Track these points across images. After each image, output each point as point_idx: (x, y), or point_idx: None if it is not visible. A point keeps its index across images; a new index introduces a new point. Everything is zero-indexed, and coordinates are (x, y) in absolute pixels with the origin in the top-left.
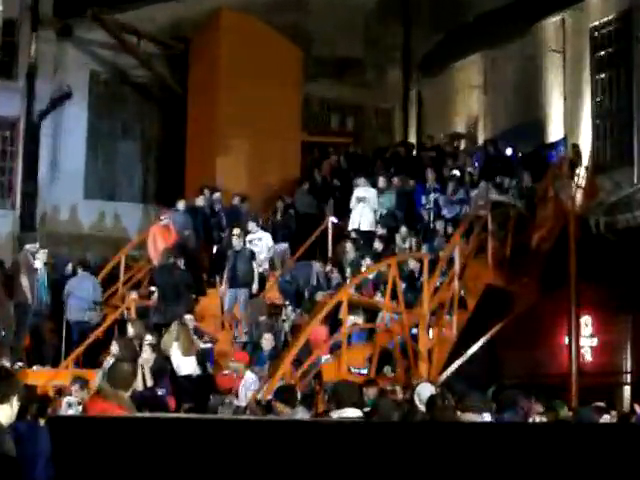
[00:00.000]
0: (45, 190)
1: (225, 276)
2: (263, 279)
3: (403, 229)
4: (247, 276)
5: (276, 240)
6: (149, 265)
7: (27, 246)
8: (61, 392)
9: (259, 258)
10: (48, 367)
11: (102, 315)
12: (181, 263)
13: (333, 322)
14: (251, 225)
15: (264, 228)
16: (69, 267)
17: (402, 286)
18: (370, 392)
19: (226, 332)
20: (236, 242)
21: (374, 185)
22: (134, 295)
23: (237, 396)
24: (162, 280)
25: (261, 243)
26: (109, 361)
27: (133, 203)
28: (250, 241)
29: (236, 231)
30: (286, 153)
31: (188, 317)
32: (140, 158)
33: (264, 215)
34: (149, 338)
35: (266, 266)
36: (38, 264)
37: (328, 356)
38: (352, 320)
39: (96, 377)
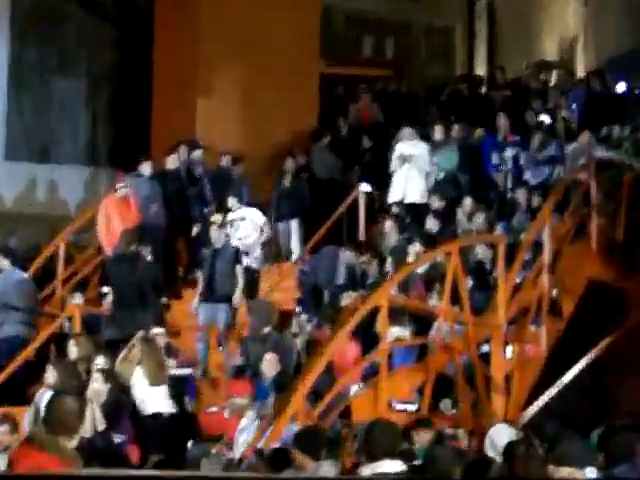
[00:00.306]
0: None
1: (200, 285)
2: (253, 280)
3: (468, 201)
4: (227, 285)
5: (281, 216)
6: (99, 256)
7: None
8: None
9: (245, 244)
10: None
11: (30, 329)
12: (147, 252)
13: (367, 336)
14: (231, 201)
15: (256, 205)
16: None
17: (467, 283)
18: (421, 437)
19: (212, 351)
20: (216, 235)
21: (425, 138)
22: (78, 299)
23: (229, 445)
24: (119, 277)
25: (244, 225)
26: (43, 394)
27: (76, 166)
28: (230, 222)
29: (216, 217)
30: (297, 93)
31: (157, 331)
32: (86, 103)
33: (266, 182)
34: (100, 361)
35: (256, 255)
36: None
37: (360, 385)
38: (395, 334)
39: (25, 418)
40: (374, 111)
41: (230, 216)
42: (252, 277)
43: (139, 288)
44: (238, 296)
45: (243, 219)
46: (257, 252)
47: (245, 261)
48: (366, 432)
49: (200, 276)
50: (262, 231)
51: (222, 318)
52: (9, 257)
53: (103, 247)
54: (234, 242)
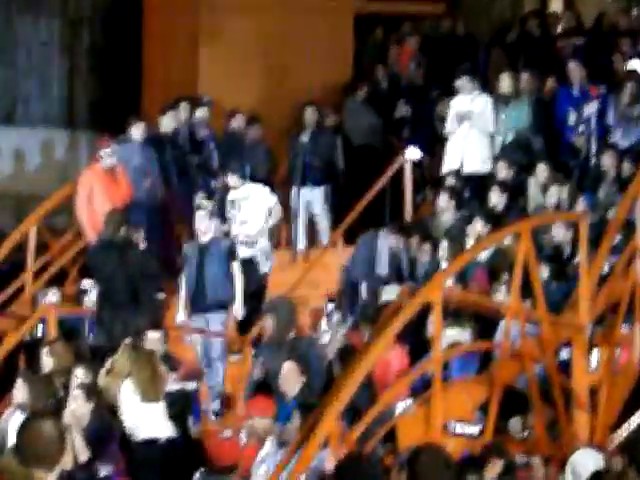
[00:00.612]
0: None
1: (182, 292)
2: (258, 278)
3: (542, 169)
4: (220, 290)
5: (300, 184)
6: (80, 242)
7: None
8: None
9: (248, 232)
10: None
11: None
12: (140, 237)
13: (416, 341)
14: (232, 179)
15: (267, 182)
16: None
17: (542, 273)
18: (489, 471)
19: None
20: (204, 225)
21: (487, 90)
22: (53, 297)
23: (244, 478)
24: (106, 270)
25: (247, 206)
26: (10, 417)
27: (48, 130)
28: (231, 203)
29: (202, 201)
30: (326, 36)
31: (152, 335)
32: (61, 51)
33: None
34: (81, 374)
35: (263, 246)
36: None
37: (408, 402)
38: (451, 337)
39: None
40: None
41: (231, 195)
42: (257, 277)
43: (130, 282)
44: (238, 304)
45: (246, 199)
46: (264, 243)
47: (247, 254)
48: (410, 462)
49: (183, 280)
50: (270, 215)
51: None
52: None
53: (84, 232)
54: (235, 229)
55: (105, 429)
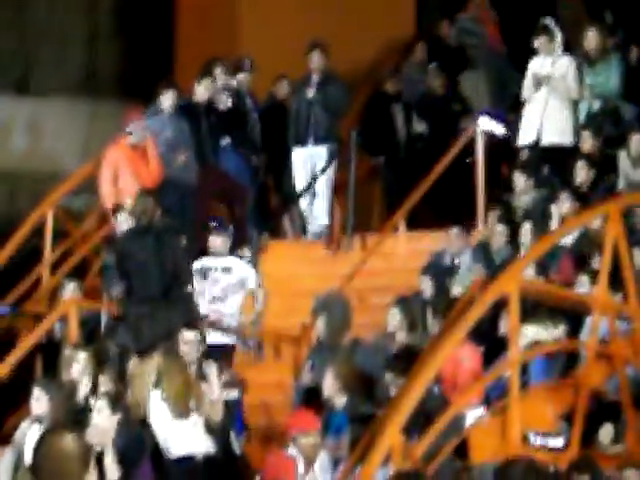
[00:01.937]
0: None
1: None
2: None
3: (636, 140)
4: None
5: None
6: (104, 227)
7: None
8: None
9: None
10: None
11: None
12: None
13: (490, 341)
14: (215, 240)
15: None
16: None
17: (635, 260)
18: None
19: (270, 363)
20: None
21: (570, 49)
22: (73, 291)
23: None
24: (137, 257)
25: (225, 281)
26: (27, 431)
27: (67, 100)
28: (202, 271)
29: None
30: None
31: (189, 336)
32: (81, 11)
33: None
34: (105, 382)
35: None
36: None
37: (481, 410)
38: (531, 335)
39: (2, 464)
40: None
41: (205, 261)
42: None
43: (164, 275)
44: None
45: (228, 271)
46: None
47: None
48: (501, 476)
49: None
50: (253, 295)
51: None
52: None
53: (109, 215)
54: (204, 305)
55: (135, 445)
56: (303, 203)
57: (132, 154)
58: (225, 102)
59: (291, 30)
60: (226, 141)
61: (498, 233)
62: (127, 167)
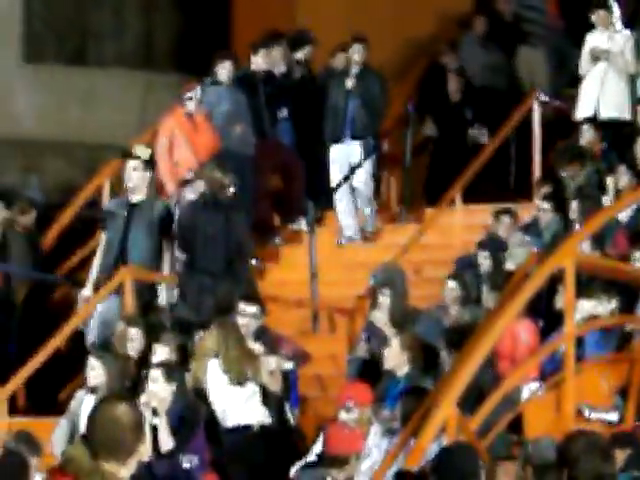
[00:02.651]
0: None
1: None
2: None
3: None
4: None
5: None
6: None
7: None
8: None
9: None
10: None
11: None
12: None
13: (545, 315)
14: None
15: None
16: None
17: None
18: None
19: (324, 335)
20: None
21: (629, 24)
22: None
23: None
24: (204, 230)
25: None
26: (82, 401)
27: (123, 71)
28: None
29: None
30: None
31: (249, 309)
32: None
33: (398, 90)
34: (161, 352)
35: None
36: None
37: (537, 385)
38: (585, 310)
39: (56, 434)
40: None
41: None
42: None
43: (230, 250)
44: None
45: None
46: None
47: None
48: (563, 450)
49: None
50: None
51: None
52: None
53: (164, 185)
54: None
55: (190, 415)
56: (339, 205)
57: (188, 124)
58: (297, 72)
59: (348, 4)
60: (284, 113)
61: (543, 210)
62: (183, 137)
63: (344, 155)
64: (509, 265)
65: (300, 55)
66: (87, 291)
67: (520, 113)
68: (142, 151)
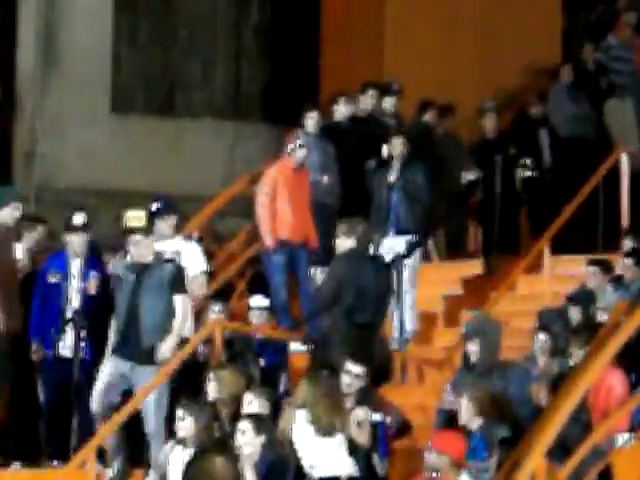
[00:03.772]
0: (32, 98)
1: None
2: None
3: None
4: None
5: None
6: (248, 250)
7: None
8: None
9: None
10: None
11: None
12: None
13: (637, 364)
14: (163, 224)
15: None
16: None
17: None
18: None
19: (413, 386)
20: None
21: None
22: (217, 310)
23: None
24: (360, 283)
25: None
26: (170, 452)
27: (211, 121)
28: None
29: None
30: (530, 13)
31: (353, 369)
32: (226, 29)
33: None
34: (250, 403)
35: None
36: (20, 250)
37: (628, 435)
38: None
39: None
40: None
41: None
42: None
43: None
44: (169, 344)
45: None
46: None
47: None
48: None
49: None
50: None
51: (140, 387)
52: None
53: (263, 236)
54: None
55: (279, 467)
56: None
57: (292, 176)
58: (387, 122)
59: (436, 57)
60: (372, 164)
61: (625, 266)
62: (286, 189)
63: (388, 247)
64: (601, 317)
65: (387, 104)
66: (106, 361)
67: (608, 164)
68: (137, 220)
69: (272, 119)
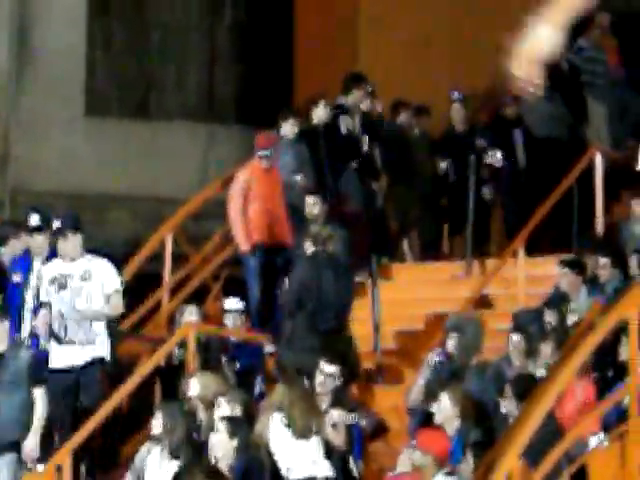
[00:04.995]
0: (6, 100)
1: None
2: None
3: None
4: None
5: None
6: (223, 253)
7: None
8: None
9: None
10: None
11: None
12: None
13: (605, 366)
14: (66, 244)
15: None
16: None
17: None
18: None
19: (388, 387)
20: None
21: None
22: (191, 313)
23: None
24: (319, 287)
25: (86, 289)
26: (147, 455)
27: (186, 124)
28: (58, 280)
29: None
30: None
31: (327, 368)
32: (200, 31)
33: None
34: (224, 405)
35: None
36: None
37: (600, 437)
38: None
39: None
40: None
41: (55, 268)
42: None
43: (341, 308)
44: (32, 443)
45: (86, 279)
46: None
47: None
48: None
49: None
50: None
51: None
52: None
53: (237, 240)
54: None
55: (253, 470)
56: None
57: (264, 179)
58: (347, 125)
59: (411, 59)
60: (352, 165)
61: (602, 266)
62: (258, 192)
63: None
64: (572, 318)
65: (361, 106)
66: None
67: (582, 163)
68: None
69: (246, 121)
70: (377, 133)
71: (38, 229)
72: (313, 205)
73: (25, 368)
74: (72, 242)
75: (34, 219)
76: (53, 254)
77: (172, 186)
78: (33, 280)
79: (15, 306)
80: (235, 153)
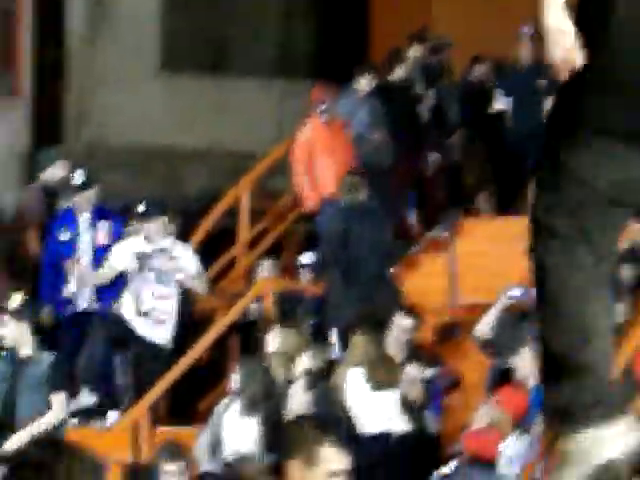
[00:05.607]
0: (81, 58)
1: None
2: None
3: None
4: None
5: None
6: (298, 209)
7: (45, 174)
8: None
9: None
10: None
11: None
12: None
13: None
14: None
15: None
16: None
17: None
18: None
19: (465, 342)
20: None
21: None
22: (267, 268)
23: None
24: (356, 238)
25: (172, 270)
26: (225, 409)
27: (260, 80)
28: (143, 259)
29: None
30: None
31: (403, 322)
32: None
33: None
34: (304, 360)
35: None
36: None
37: None
38: None
39: (199, 445)
40: None
41: (141, 245)
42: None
43: (380, 256)
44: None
45: (174, 258)
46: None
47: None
48: None
49: None
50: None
51: None
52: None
53: (303, 198)
54: (148, 301)
55: (330, 422)
56: None
57: (326, 134)
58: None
59: (485, 11)
60: (424, 121)
61: None
62: (322, 147)
63: None
64: None
65: (436, 59)
66: None
67: None
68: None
69: (321, 76)
70: (445, 88)
71: (83, 186)
72: None
73: (45, 373)
74: (156, 225)
75: (79, 176)
76: (99, 212)
77: (247, 141)
78: (85, 236)
79: (55, 265)
80: (309, 108)
